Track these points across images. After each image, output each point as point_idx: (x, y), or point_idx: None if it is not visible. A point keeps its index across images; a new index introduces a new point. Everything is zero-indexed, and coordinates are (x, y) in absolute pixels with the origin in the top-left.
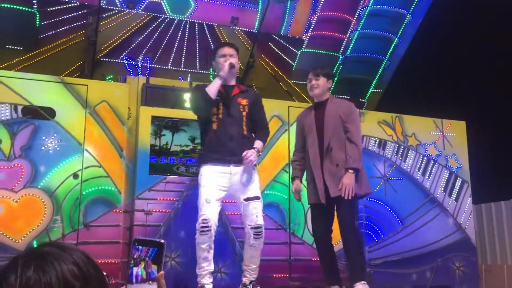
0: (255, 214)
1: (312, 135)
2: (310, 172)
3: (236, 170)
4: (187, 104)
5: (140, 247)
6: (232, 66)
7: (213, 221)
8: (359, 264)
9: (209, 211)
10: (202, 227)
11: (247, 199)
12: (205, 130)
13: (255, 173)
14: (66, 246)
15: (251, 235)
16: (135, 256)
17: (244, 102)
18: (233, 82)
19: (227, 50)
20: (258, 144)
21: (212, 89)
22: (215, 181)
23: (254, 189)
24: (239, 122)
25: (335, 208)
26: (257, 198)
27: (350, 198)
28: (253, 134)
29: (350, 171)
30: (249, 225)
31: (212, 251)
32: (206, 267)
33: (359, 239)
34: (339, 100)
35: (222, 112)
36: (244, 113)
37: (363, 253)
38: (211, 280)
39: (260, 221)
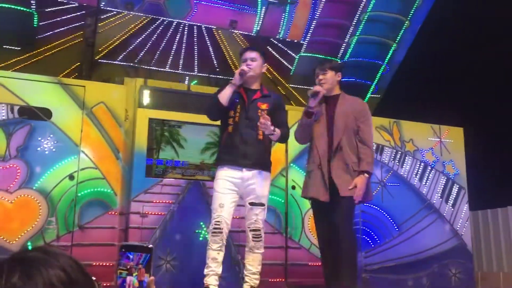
0: (255, 219)
1: (321, 127)
2: (316, 165)
3: (248, 175)
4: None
5: (130, 255)
6: (241, 73)
7: (226, 224)
8: (352, 273)
9: (222, 213)
10: (214, 228)
11: (252, 204)
12: (222, 132)
13: (267, 181)
14: (52, 251)
15: (250, 238)
16: (128, 266)
17: (263, 106)
18: (256, 86)
19: (247, 54)
20: (277, 130)
21: (224, 96)
22: (227, 186)
23: (261, 196)
24: (255, 126)
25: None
26: (261, 205)
27: (358, 201)
28: (270, 141)
29: (365, 174)
30: (248, 227)
31: (222, 254)
32: (215, 268)
33: (355, 245)
34: (352, 98)
35: (239, 116)
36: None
37: (357, 261)
38: (217, 282)
39: (259, 224)
